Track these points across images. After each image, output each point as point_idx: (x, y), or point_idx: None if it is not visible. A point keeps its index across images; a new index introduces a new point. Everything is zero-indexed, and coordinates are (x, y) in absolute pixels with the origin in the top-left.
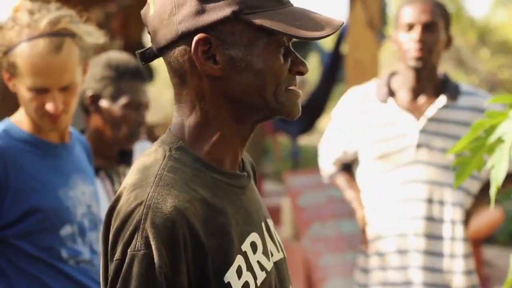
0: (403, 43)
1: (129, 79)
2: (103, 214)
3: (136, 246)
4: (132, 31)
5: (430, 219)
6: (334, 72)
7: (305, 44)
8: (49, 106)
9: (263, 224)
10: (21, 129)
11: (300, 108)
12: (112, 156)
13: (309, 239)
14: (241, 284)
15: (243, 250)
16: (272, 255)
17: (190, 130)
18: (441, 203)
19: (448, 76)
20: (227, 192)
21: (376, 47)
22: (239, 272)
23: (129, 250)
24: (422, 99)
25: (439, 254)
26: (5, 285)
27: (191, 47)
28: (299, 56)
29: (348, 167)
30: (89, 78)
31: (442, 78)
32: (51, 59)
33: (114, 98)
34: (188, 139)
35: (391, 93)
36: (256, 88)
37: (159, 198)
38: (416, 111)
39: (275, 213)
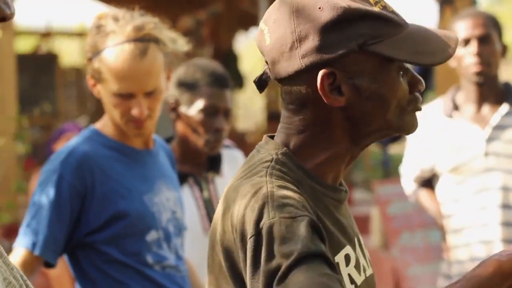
0: (461, 59)
1: (206, 84)
2: (187, 220)
3: (270, 215)
4: (222, 38)
5: (507, 224)
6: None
7: None
8: (135, 111)
9: (356, 239)
10: (106, 135)
11: (418, 123)
12: (200, 162)
13: (398, 249)
14: None
15: (336, 261)
16: (364, 270)
17: (297, 142)
18: None
19: (510, 84)
20: (326, 204)
21: None
22: None
23: (262, 223)
24: (486, 109)
25: None
26: None
27: (314, 80)
28: (415, 74)
29: (429, 182)
30: (170, 86)
31: (504, 86)
32: (136, 64)
33: (190, 103)
34: (293, 148)
35: (456, 107)
36: (381, 113)
37: (278, 183)
38: (481, 121)
39: (364, 222)
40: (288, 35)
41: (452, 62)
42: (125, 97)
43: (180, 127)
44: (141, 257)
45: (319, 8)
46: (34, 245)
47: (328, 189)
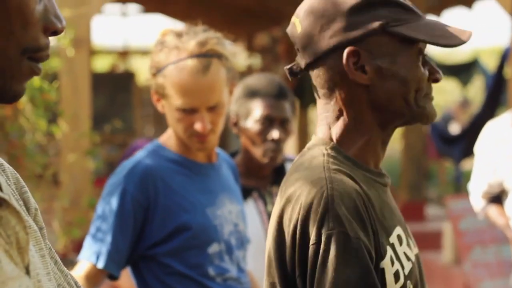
0: None
1: (259, 95)
2: (250, 233)
3: (329, 225)
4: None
5: None
6: (497, 95)
7: (470, 67)
8: (198, 126)
9: (402, 220)
10: (169, 149)
11: (436, 112)
12: (264, 176)
13: (470, 264)
14: (393, 272)
15: (391, 242)
16: (413, 248)
17: (337, 135)
18: None
19: None
20: (376, 188)
21: None
22: (392, 261)
23: (323, 231)
24: None
25: None
26: None
27: (341, 59)
28: (434, 65)
29: (497, 199)
30: (231, 101)
31: None
32: (199, 79)
33: (247, 115)
34: (337, 141)
35: None
36: (400, 94)
37: (337, 182)
38: None
39: (436, 238)
40: (318, 20)
41: None
42: (188, 112)
43: (243, 141)
44: (203, 269)
45: None
46: (97, 257)
47: (375, 175)
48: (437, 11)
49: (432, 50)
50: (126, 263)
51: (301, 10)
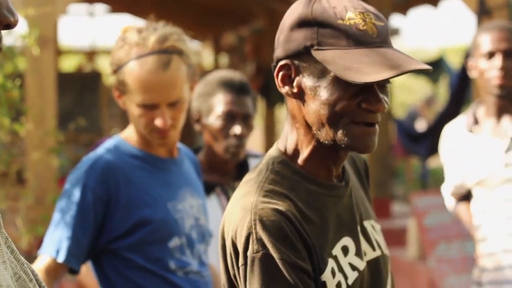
0: (484, 71)
1: (221, 91)
2: (213, 228)
3: (253, 249)
4: (264, 54)
5: None
6: (462, 93)
7: (437, 65)
8: (158, 122)
9: (358, 227)
10: (131, 144)
11: (371, 145)
12: (227, 172)
13: (434, 259)
14: (335, 284)
15: (334, 254)
16: (365, 254)
17: (290, 145)
18: None
19: None
20: (323, 202)
21: None
22: (333, 273)
23: (248, 254)
24: (506, 121)
25: None
26: None
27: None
28: (377, 94)
29: (467, 197)
30: (193, 98)
31: None
32: (159, 75)
33: (209, 112)
34: (289, 154)
35: (476, 122)
36: (322, 117)
37: (262, 205)
38: (501, 133)
39: (402, 234)
40: (279, 29)
41: (473, 74)
42: (149, 107)
43: (205, 137)
44: (164, 263)
45: (296, 8)
46: (57, 252)
47: (325, 188)
48: (403, 10)
49: (400, 48)
50: (86, 258)
51: None
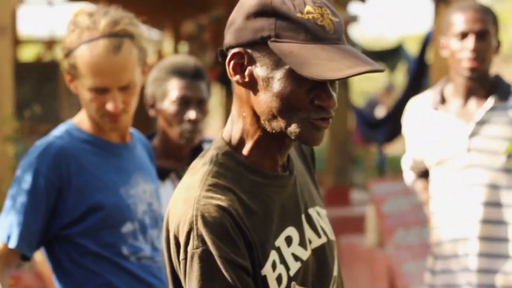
0: (456, 52)
1: (176, 76)
2: (165, 212)
3: (194, 244)
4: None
5: (487, 221)
6: (419, 79)
7: (396, 52)
8: (109, 106)
9: (303, 216)
10: (82, 129)
11: (319, 139)
12: (182, 157)
13: (393, 246)
14: (275, 276)
15: (277, 245)
16: (310, 243)
17: (235, 135)
18: (498, 205)
19: (501, 77)
20: (267, 193)
21: None
22: (273, 266)
23: (188, 249)
24: (472, 103)
25: (498, 256)
26: (68, 282)
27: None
28: (329, 91)
29: (426, 173)
30: (147, 83)
31: (494, 79)
32: (110, 59)
33: (163, 97)
34: (234, 144)
35: (443, 101)
36: (272, 109)
37: (204, 201)
38: (467, 116)
39: (361, 222)
40: (232, 15)
41: (444, 53)
42: (100, 91)
43: (160, 123)
44: (116, 248)
45: None
46: (9, 238)
47: (268, 179)
48: None
49: (359, 36)
50: (39, 244)
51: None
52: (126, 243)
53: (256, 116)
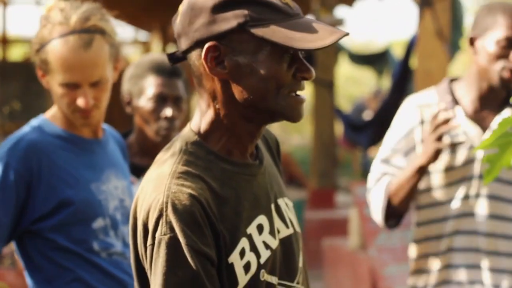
0: (493, 57)
1: (153, 74)
2: None
3: (162, 231)
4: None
5: (492, 235)
6: (403, 84)
7: (383, 57)
8: (80, 102)
9: (272, 205)
10: (54, 124)
11: (302, 113)
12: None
13: (375, 249)
14: (243, 264)
15: (248, 233)
16: (279, 232)
17: (205, 125)
18: (505, 218)
19: None
20: (237, 181)
21: (446, 58)
22: (242, 254)
23: (156, 235)
24: (486, 109)
25: (501, 271)
26: (38, 277)
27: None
28: (305, 63)
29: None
30: (124, 81)
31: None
32: (81, 55)
33: (140, 94)
34: (203, 134)
35: (456, 102)
36: (259, 91)
37: (175, 188)
38: (482, 122)
39: (345, 224)
40: (189, 13)
41: (472, 52)
42: (71, 87)
43: (136, 120)
44: (87, 244)
45: None
46: None
47: (239, 167)
48: (349, 1)
49: (347, 41)
50: (9, 238)
51: (184, 0)
52: (97, 239)
53: (232, 106)
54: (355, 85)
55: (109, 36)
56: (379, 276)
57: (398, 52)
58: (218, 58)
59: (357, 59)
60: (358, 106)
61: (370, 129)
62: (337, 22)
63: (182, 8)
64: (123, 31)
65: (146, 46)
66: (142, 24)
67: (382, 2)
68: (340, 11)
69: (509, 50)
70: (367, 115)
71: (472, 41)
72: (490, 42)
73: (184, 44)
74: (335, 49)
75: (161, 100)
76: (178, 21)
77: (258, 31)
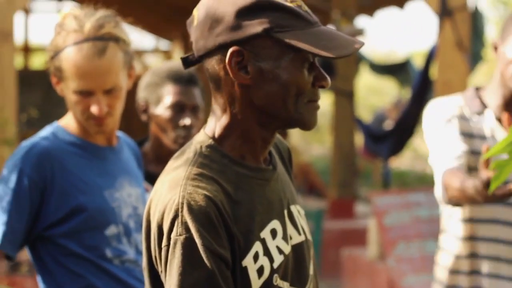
0: (508, 61)
1: (170, 82)
2: None
3: (178, 231)
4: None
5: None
6: (423, 94)
7: (405, 67)
8: (94, 109)
9: (285, 211)
10: (68, 131)
11: (316, 121)
12: None
13: (394, 259)
14: (257, 268)
15: (262, 237)
16: (291, 238)
17: (219, 130)
18: None
19: None
20: (251, 185)
21: (466, 68)
22: (255, 257)
23: (172, 236)
24: (510, 116)
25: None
26: (51, 283)
27: (226, 57)
28: (322, 71)
29: None
30: (140, 88)
31: None
32: (94, 62)
33: (157, 102)
34: (218, 138)
35: (485, 106)
36: (280, 97)
37: (190, 189)
38: (508, 128)
39: (364, 234)
40: (210, 16)
41: (495, 56)
42: (85, 94)
43: (152, 128)
44: (99, 251)
45: None
46: None
47: (253, 171)
48: (370, 11)
49: (369, 51)
50: (22, 244)
51: (201, 4)
52: (109, 246)
53: (249, 111)
54: (376, 95)
55: (123, 44)
56: (397, 286)
57: (419, 63)
58: (241, 63)
59: (378, 69)
60: (379, 116)
61: (390, 139)
62: (358, 32)
63: (199, 12)
64: (144, 40)
65: (167, 55)
66: (163, 33)
67: (403, 12)
68: (361, 21)
69: None
70: (388, 125)
71: (496, 47)
72: (509, 48)
73: (203, 48)
74: (356, 59)
75: (179, 108)
76: (195, 25)
77: (284, 37)
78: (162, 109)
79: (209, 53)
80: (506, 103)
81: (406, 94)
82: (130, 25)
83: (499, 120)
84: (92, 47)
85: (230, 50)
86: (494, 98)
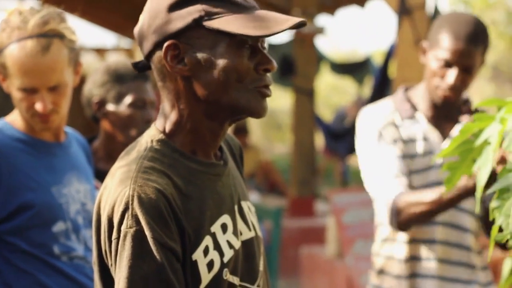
0: (434, 74)
1: (130, 79)
2: None
3: (128, 224)
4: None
5: (446, 243)
6: (382, 92)
7: (363, 66)
8: (38, 106)
9: (236, 207)
10: (15, 128)
11: (266, 108)
12: None
13: (352, 257)
14: (207, 262)
15: (212, 231)
16: (241, 234)
17: (169, 126)
18: (459, 227)
19: (469, 100)
20: (202, 179)
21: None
22: (205, 252)
23: (122, 228)
24: (442, 116)
25: (454, 280)
26: None
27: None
28: (267, 54)
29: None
30: (92, 86)
31: (464, 99)
32: (38, 59)
33: (118, 99)
34: (168, 133)
35: (415, 108)
36: (220, 85)
37: (141, 182)
38: (440, 129)
39: (323, 232)
40: (147, 18)
41: (422, 58)
42: (29, 91)
43: (105, 125)
44: (47, 247)
45: None
46: None
47: (204, 166)
48: (331, 10)
49: (329, 50)
50: None
51: (145, 7)
52: (57, 243)
53: (195, 103)
54: (338, 94)
55: (69, 40)
56: (356, 284)
57: (379, 61)
58: (178, 56)
59: (338, 69)
60: (340, 114)
61: (349, 137)
62: (318, 31)
63: (143, 16)
64: (106, 38)
65: (129, 53)
66: (125, 32)
67: (364, 11)
68: (322, 19)
69: (445, 70)
70: (348, 123)
71: (424, 52)
72: (433, 58)
73: (145, 48)
74: (317, 58)
75: (141, 104)
76: (139, 29)
77: (213, 24)
78: (123, 107)
79: (151, 53)
80: (435, 105)
81: (366, 92)
82: (92, 23)
83: (430, 120)
84: (35, 44)
85: (165, 44)
86: (424, 99)
